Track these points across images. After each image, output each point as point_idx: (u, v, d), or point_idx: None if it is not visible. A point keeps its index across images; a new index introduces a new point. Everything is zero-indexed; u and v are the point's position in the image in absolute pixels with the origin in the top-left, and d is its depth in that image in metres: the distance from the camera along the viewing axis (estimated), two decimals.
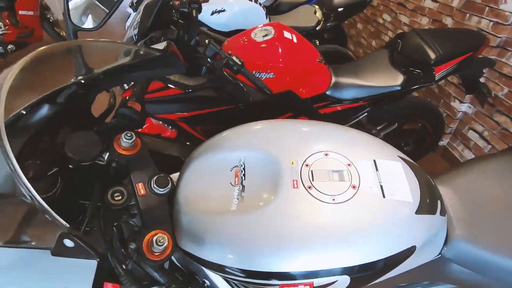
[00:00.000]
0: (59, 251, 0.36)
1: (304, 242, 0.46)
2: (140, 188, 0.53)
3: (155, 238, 0.47)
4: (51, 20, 3.92)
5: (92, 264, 0.36)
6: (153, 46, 0.57)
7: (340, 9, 2.01)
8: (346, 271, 0.47)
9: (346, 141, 0.59)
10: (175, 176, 0.63)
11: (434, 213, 0.54)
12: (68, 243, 0.35)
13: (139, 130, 0.69)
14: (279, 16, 2.13)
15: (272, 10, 2.73)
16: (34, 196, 0.33)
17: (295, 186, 0.50)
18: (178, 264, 0.60)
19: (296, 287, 0.47)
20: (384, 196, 0.50)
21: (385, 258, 0.48)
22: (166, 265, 0.60)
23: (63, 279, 0.37)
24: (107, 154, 0.55)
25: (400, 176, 0.54)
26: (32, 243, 0.37)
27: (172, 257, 0.56)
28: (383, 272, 0.51)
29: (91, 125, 0.64)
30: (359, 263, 0.46)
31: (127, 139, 0.56)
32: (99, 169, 0.56)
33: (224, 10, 1.81)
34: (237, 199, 0.52)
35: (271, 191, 0.51)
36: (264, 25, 1.27)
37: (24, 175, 0.51)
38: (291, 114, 1.39)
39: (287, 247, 0.46)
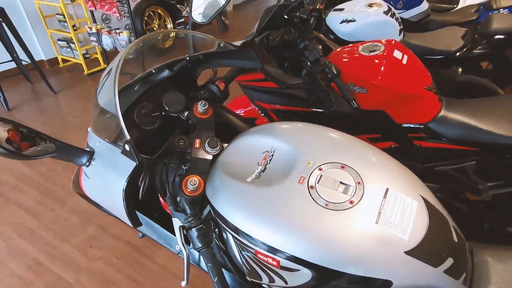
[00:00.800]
0: (123, 151, 0.58)
1: (283, 225, 0.52)
2: (197, 143, 0.72)
3: (190, 179, 0.65)
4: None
5: (132, 164, 0.56)
6: (232, 43, 0.74)
7: (497, 37, 1.66)
8: (309, 265, 0.51)
9: (371, 162, 0.59)
10: None
11: (434, 265, 0.49)
12: (127, 147, 0.57)
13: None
14: (417, 34, 1.95)
15: (418, 27, 2.50)
16: (118, 115, 0.56)
17: (300, 181, 0.57)
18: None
19: (266, 257, 0.55)
20: (376, 222, 0.50)
21: (350, 274, 0.49)
22: (206, 211, 0.77)
23: (118, 170, 0.59)
24: (187, 112, 0.77)
25: (408, 213, 0.51)
26: (115, 143, 0.61)
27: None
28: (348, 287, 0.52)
29: (193, 90, 0.88)
30: (323, 265, 0.50)
31: (202, 106, 0.75)
32: (181, 121, 0.79)
33: (354, 20, 1.82)
34: (255, 175, 0.63)
35: (280, 178, 0.59)
36: (377, 41, 1.25)
37: (137, 109, 0.78)
38: (379, 136, 1.32)
39: (269, 222, 0.54)
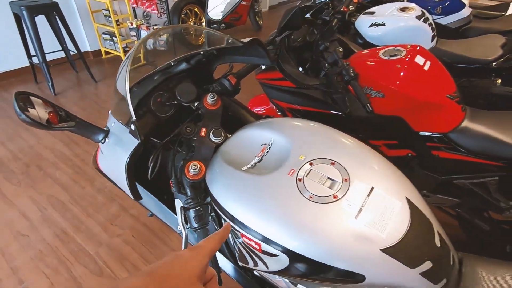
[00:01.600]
0: (130, 131, 0.64)
1: (267, 211, 0.55)
2: (202, 131, 0.77)
3: (192, 163, 0.70)
4: (256, 11, 4.89)
5: (135, 142, 0.62)
6: (241, 40, 0.78)
7: None
8: (287, 252, 0.53)
9: (362, 161, 0.60)
10: None
11: (410, 266, 0.49)
12: (132, 127, 0.63)
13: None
14: (452, 41, 1.85)
15: (457, 34, 2.37)
16: (127, 98, 0.62)
17: (290, 174, 0.60)
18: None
19: (250, 240, 0.58)
20: (356, 218, 0.51)
21: (325, 265, 0.50)
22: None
23: (124, 147, 0.65)
24: (197, 103, 0.82)
25: (389, 213, 0.52)
26: (126, 124, 0.68)
27: None
28: (323, 277, 0.53)
29: (209, 83, 0.94)
30: (300, 253, 0.51)
31: (211, 98, 0.80)
32: (193, 111, 0.84)
33: (383, 24, 1.78)
34: (251, 165, 0.67)
35: (272, 169, 0.62)
36: (401, 45, 1.23)
37: (154, 97, 0.85)
38: (396, 143, 1.29)
39: (254, 208, 0.57)
